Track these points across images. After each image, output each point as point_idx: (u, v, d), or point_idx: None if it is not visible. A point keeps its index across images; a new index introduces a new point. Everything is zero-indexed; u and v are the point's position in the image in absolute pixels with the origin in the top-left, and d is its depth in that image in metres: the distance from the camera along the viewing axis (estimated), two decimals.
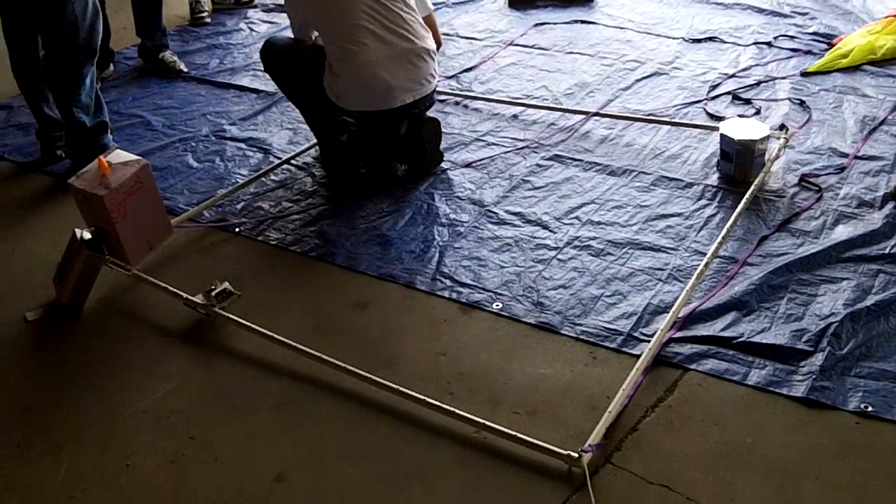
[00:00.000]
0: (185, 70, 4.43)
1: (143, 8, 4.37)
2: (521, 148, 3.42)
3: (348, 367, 2.32)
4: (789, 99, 3.62)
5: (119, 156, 2.81)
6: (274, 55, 3.33)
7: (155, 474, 2.13)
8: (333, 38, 3.05)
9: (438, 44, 3.39)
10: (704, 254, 2.67)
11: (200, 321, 2.61)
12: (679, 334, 2.38)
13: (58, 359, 2.57)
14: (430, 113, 3.32)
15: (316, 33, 3.20)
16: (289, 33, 3.38)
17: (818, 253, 2.62)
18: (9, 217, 3.32)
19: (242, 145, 3.66)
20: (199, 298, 2.59)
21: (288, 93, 3.41)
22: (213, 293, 2.58)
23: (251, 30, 4.98)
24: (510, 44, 4.44)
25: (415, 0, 3.18)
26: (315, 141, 3.50)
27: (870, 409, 2.11)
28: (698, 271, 2.57)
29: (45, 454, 2.23)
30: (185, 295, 2.62)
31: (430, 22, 3.31)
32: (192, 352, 2.52)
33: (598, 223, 2.90)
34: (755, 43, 4.18)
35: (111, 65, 4.47)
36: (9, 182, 3.58)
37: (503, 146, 3.45)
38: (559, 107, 3.69)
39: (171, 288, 2.66)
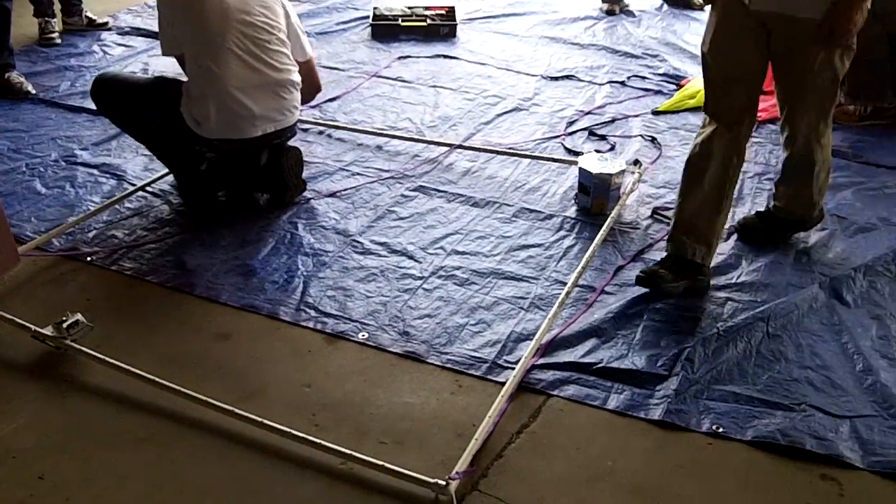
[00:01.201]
0: (33, 92, 4.23)
1: None
2: (385, 178, 3.43)
3: (209, 399, 2.25)
4: (641, 136, 3.77)
5: None
6: (109, 92, 3.19)
7: None
8: (198, 57, 2.98)
9: (317, 89, 3.43)
10: (564, 283, 2.74)
11: (51, 354, 2.48)
12: (542, 361, 2.43)
13: None
14: (293, 142, 3.29)
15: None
16: (116, 69, 3.27)
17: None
18: None
19: (95, 171, 3.51)
20: (48, 331, 2.47)
21: (128, 129, 3.30)
22: (65, 325, 2.46)
23: (104, 52, 4.82)
24: (374, 75, 4.47)
25: (292, 40, 3.15)
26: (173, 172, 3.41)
27: (721, 429, 2.20)
28: (559, 300, 2.63)
29: None
30: (33, 327, 2.48)
31: (309, 67, 3.29)
32: (41, 387, 2.39)
33: (463, 253, 2.94)
34: (609, 82, 4.34)
35: None
36: None
37: (368, 176, 3.45)
38: (423, 138, 3.73)
39: (17, 319, 2.52)
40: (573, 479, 2.07)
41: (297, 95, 3.17)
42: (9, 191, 3.36)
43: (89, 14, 5.17)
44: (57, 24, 4.99)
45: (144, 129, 3.20)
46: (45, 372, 2.44)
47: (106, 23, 5.19)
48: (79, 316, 2.49)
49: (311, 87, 3.35)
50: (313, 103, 4.02)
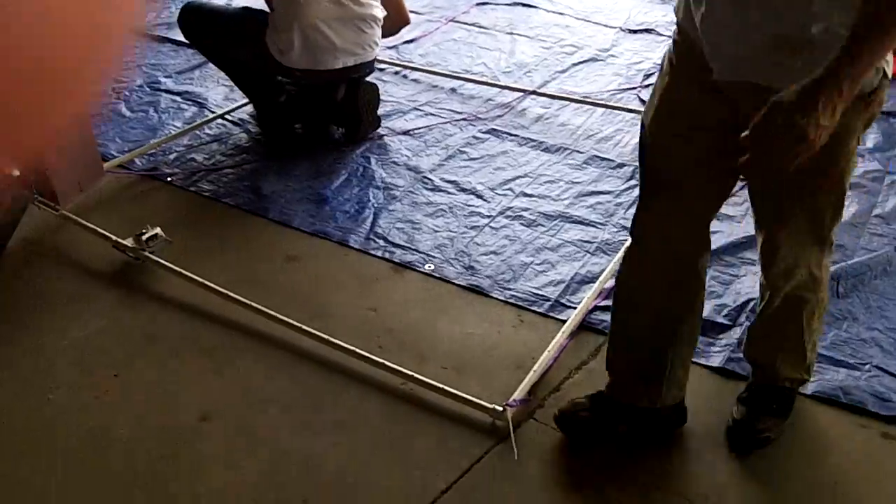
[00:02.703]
0: None
1: None
2: (458, 120, 3.46)
3: (278, 315, 2.32)
4: None
5: None
6: (195, 21, 3.25)
7: (77, 409, 2.11)
8: None
9: (405, 21, 3.41)
10: None
11: (129, 265, 2.58)
12: (604, 303, 2.45)
13: None
14: (370, 79, 3.33)
15: None
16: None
17: (742, 236, 2.72)
18: None
19: (177, 98, 3.61)
20: (128, 242, 2.57)
21: (213, 57, 3.36)
22: (144, 237, 2.56)
23: None
24: (451, 20, 4.47)
25: None
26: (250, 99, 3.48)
27: None
28: (625, 246, 2.64)
29: None
30: (114, 237, 2.59)
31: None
32: (119, 294, 2.50)
33: (531, 195, 2.96)
34: None
35: None
36: None
37: (441, 117, 3.48)
38: (497, 83, 3.73)
39: (99, 230, 2.63)
40: None
41: (378, 31, 3.20)
42: (96, 112, 3.47)
43: None
44: None
45: (228, 58, 3.27)
46: (124, 281, 2.54)
47: None
48: (158, 230, 2.58)
49: (398, 18, 3.35)
50: (391, 43, 4.05)
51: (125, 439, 2.04)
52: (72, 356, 2.27)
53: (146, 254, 2.54)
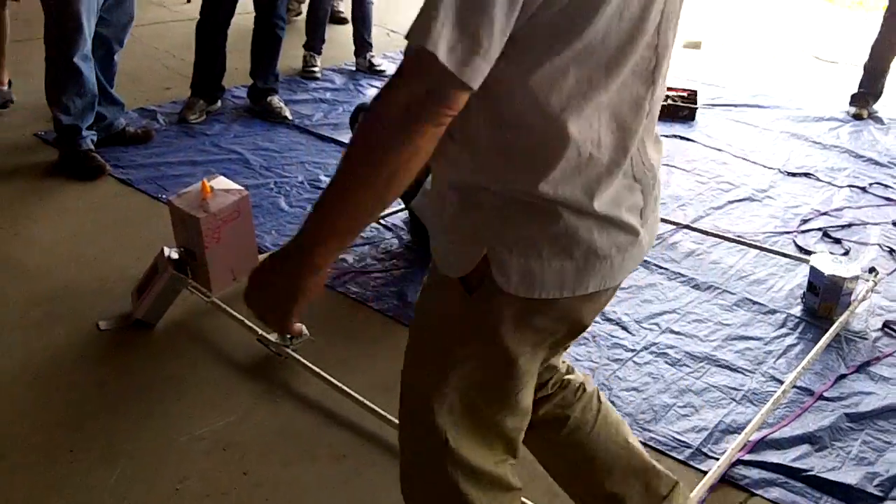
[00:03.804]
0: (290, 117, 4.55)
1: (260, 51, 4.51)
2: None
3: None
4: (879, 245, 3.59)
5: (222, 182, 2.88)
6: None
7: (205, 501, 2.12)
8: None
9: None
10: (781, 381, 2.63)
11: (270, 358, 2.63)
12: (748, 457, 2.33)
13: (124, 371, 2.59)
14: None
15: None
16: None
17: None
18: (97, 223, 3.42)
19: None
20: (273, 337, 2.61)
21: None
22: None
23: (359, 90, 5.12)
24: None
25: None
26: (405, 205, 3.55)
27: None
28: (774, 397, 2.53)
29: (97, 463, 2.23)
30: (260, 330, 2.64)
31: None
32: (257, 388, 2.53)
33: (678, 333, 2.88)
34: (850, 186, 4.16)
35: (219, 100, 4.61)
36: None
37: None
38: None
39: (247, 321, 2.69)
40: None
41: None
42: (256, 203, 3.59)
43: (373, 59, 5.49)
44: (318, 59, 5.33)
45: None
46: (264, 375, 2.58)
47: (383, 70, 5.46)
48: (302, 327, 2.62)
49: None
50: None
51: None
52: (204, 447, 2.30)
53: (289, 350, 2.58)
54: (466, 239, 1.24)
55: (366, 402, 2.40)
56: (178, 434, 2.34)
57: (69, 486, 2.16)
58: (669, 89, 5.19)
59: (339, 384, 2.46)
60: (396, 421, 2.30)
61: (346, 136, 4.39)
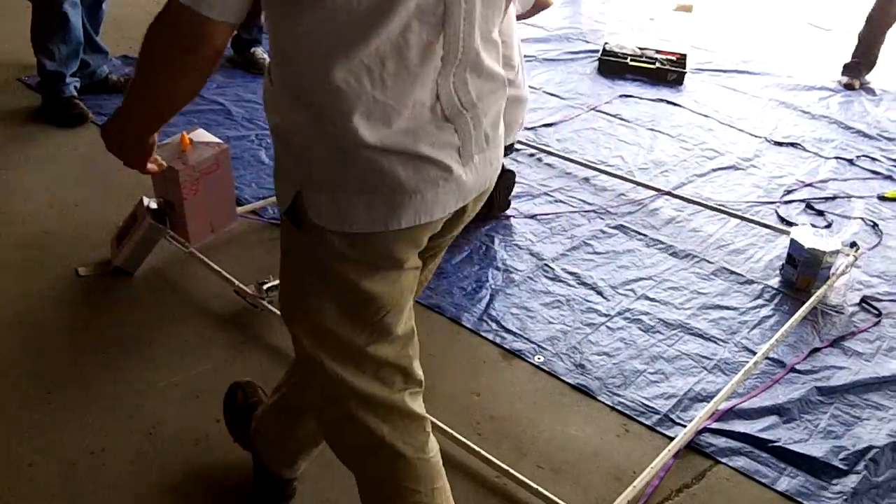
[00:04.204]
0: None
1: None
2: (587, 211, 3.43)
3: None
4: (862, 219, 3.59)
5: (201, 135, 2.86)
6: None
7: (176, 448, 2.14)
8: None
9: (548, 4, 3.19)
10: (754, 352, 2.65)
11: (247, 310, 2.63)
12: (715, 425, 2.36)
13: (101, 319, 2.60)
14: (507, 163, 3.33)
15: None
16: None
17: (870, 377, 2.58)
18: (78, 170, 3.40)
19: None
20: (250, 288, 2.62)
21: None
22: (265, 286, 2.60)
23: None
24: (593, 109, 4.47)
25: None
26: None
27: None
28: (746, 368, 2.55)
29: (73, 407, 2.25)
30: (236, 282, 2.64)
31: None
32: (233, 338, 2.54)
33: (653, 300, 2.89)
34: (836, 157, 4.16)
35: None
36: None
37: (570, 206, 3.46)
38: (632, 178, 3.69)
39: (224, 273, 2.69)
40: None
41: (524, 114, 3.21)
42: (236, 155, 3.58)
43: None
44: None
45: None
46: (240, 325, 2.59)
47: None
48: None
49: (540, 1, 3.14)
50: (528, 125, 4.07)
51: (224, 487, 2.04)
52: (179, 394, 2.31)
53: (265, 303, 2.59)
54: (284, 178, 1.34)
55: None
56: (154, 380, 2.35)
57: (45, 429, 2.17)
58: (659, 52, 5.16)
59: None
60: None
61: None
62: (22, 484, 2.02)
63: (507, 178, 3.28)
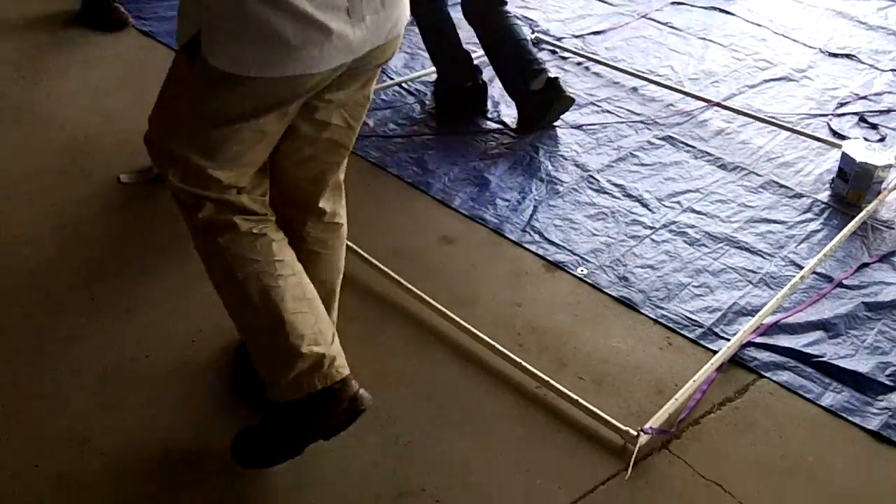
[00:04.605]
0: None
1: None
2: (635, 121, 3.35)
3: (424, 296, 2.31)
4: None
5: None
6: None
7: (220, 354, 2.16)
8: None
9: None
10: (801, 267, 2.60)
11: None
12: (760, 339, 2.33)
13: (144, 225, 2.60)
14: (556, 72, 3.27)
15: None
16: None
17: None
18: (119, 76, 3.38)
19: None
20: None
21: (420, 23, 3.34)
22: None
23: None
24: (644, 16, 4.34)
25: None
26: (430, 69, 3.48)
27: None
28: (792, 282, 2.51)
29: (116, 312, 2.27)
30: None
31: None
32: None
33: (699, 213, 2.84)
34: (893, 70, 4.01)
35: None
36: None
37: (617, 115, 3.39)
38: (682, 89, 3.60)
39: None
40: (768, 465, 1.99)
41: None
42: None
43: None
44: None
45: (436, 26, 3.28)
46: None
47: None
48: None
49: None
50: (575, 33, 3.98)
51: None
52: (218, 303, 2.32)
53: None
54: (186, 17, 1.50)
55: (379, 265, 2.41)
56: (198, 287, 2.35)
57: (88, 333, 2.20)
58: None
59: (353, 246, 2.45)
60: (409, 286, 2.33)
61: None
62: (64, 390, 2.05)
63: (566, 103, 3.22)
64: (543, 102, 3.17)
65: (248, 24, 1.39)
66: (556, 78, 3.19)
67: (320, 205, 1.84)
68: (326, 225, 1.88)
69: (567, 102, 3.23)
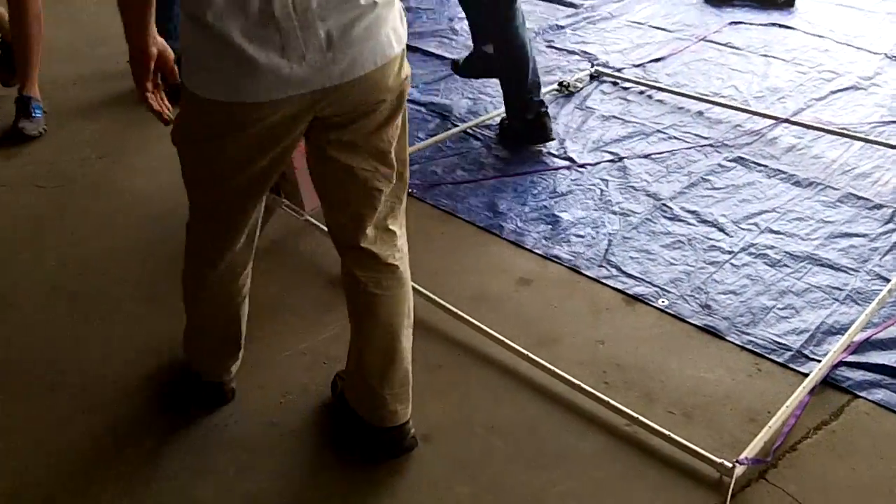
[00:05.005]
0: None
1: None
2: (703, 146, 3.33)
3: (506, 340, 2.32)
4: None
5: None
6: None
7: (308, 416, 2.19)
8: None
9: None
10: (888, 279, 2.54)
11: None
12: (851, 358, 2.28)
13: None
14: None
15: None
16: None
17: None
18: None
19: (423, 109, 3.71)
20: None
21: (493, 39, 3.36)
22: None
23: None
24: (702, 39, 4.32)
25: None
26: (493, 112, 3.51)
27: None
28: (880, 296, 2.45)
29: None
30: None
31: None
32: None
33: (778, 232, 2.80)
34: None
35: None
36: None
37: (685, 141, 3.37)
38: (748, 108, 3.56)
39: None
40: (872, 488, 1.93)
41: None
42: None
43: None
44: None
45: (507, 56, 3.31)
46: None
47: None
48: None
49: None
50: (636, 62, 3.98)
51: (347, 453, 2.10)
52: (306, 362, 2.37)
53: None
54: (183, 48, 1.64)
55: (459, 312, 2.43)
56: (280, 350, 2.42)
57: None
58: None
59: (432, 295, 2.48)
60: (490, 331, 2.34)
61: (431, 46, 4.34)
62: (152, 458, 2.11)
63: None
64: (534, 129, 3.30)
65: (211, 54, 1.55)
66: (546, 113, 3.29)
67: (363, 245, 1.91)
68: (379, 265, 1.95)
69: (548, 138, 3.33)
